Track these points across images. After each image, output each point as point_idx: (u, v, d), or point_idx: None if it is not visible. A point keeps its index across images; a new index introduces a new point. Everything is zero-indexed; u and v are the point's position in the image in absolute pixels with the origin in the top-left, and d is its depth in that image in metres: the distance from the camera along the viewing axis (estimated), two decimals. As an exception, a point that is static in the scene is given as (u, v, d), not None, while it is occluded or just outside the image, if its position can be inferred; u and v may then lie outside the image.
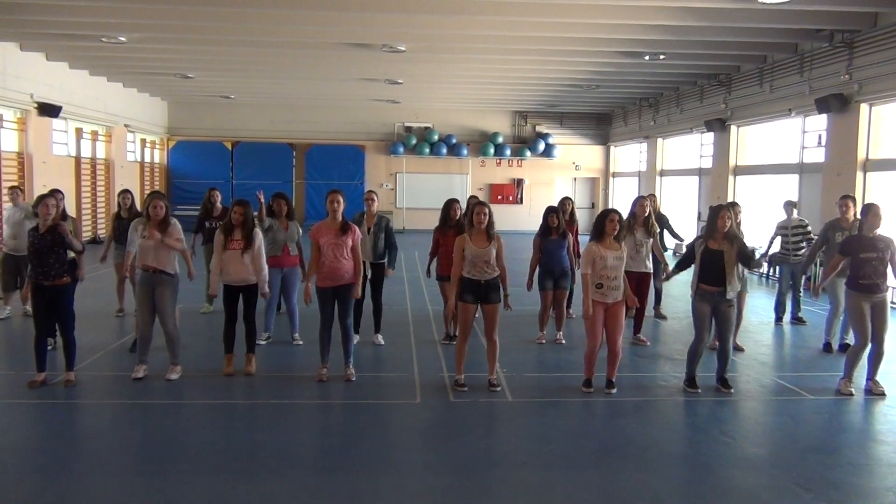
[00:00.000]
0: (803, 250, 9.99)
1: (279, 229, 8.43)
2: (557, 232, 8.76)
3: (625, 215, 7.51)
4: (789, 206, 10.41)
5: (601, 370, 7.08)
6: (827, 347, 8.73)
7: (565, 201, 9.81)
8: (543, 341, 8.92)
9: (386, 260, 8.60)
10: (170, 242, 7.02)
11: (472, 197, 10.01)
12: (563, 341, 8.88)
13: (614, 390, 6.94)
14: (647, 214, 8.86)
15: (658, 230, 9.49)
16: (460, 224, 8.31)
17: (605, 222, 6.89)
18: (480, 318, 7.04)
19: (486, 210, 6.84)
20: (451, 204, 8.67)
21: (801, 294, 10.53)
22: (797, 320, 10.35)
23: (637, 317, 9.02)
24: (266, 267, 7.44)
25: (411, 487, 4.97)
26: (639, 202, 8.97)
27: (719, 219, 6.85)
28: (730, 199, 17.20)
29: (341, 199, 7.10)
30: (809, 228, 10.24)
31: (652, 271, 9.03)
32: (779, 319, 10.32)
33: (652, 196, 10.64)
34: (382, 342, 8.70)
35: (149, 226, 7.02)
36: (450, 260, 7.15)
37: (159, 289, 7.05)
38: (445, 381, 7.24)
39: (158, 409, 6.50)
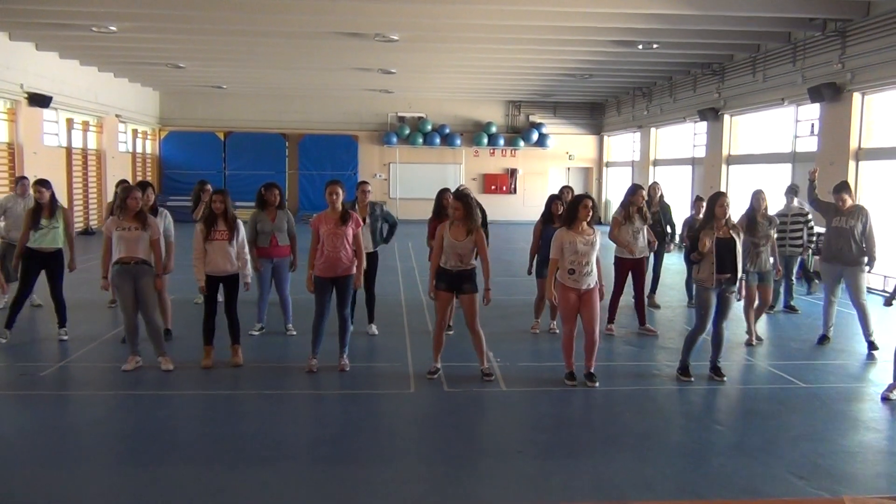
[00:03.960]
0: (801, 240, 9.90)
1: (266, 220, 8.38)
2: (560, 220, 8.72)
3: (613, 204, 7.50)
4: (790, 192, 10.22)
5: (581, 360, 7.05)
6: (822, 340, 8.57)
7: (565, 190, 9.79)
8: (537, 330, 8.93)
9: (377, 250, 8.61)
10: (150, 234, 6.99)
11: (459, 186, 10.02)
12: (557, 330, 8.87)
13: (596, 383, 6.82)
14: (641, 204, 8.88)
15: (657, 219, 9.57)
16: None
17: (578, 208, 6.76)
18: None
19: (460, 205, 6.76)
20: (443, 193, 8.66)
21: (794, 282, 10.47)
22: (789, 308, 10.35)
23: (638, 307, 9.06)
24: (250, 258, 7.40)
25: (405, 476, 4.98)
26: (637, 191, 8.94)
27: (718, 206, 6.85)
28: (723, 189, 17.26)
29: (340, 191, 7.08)
30: (810, 216, 10.08)
31: (646, 257, 9.08)
32: (771, 307, 10.32)
33: (655, 185, 10.72)
34: (376, 332, 8.70)
35: (125, 217, 6.95)
36: None
37: (141, 280, 6.97)
38: (440, 371, 7.24)
39: (151, 399, 6.48)
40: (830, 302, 8.51)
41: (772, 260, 8.56)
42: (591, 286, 6.81)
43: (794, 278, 10.42)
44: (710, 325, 7.03)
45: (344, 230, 6.98)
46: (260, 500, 4.61)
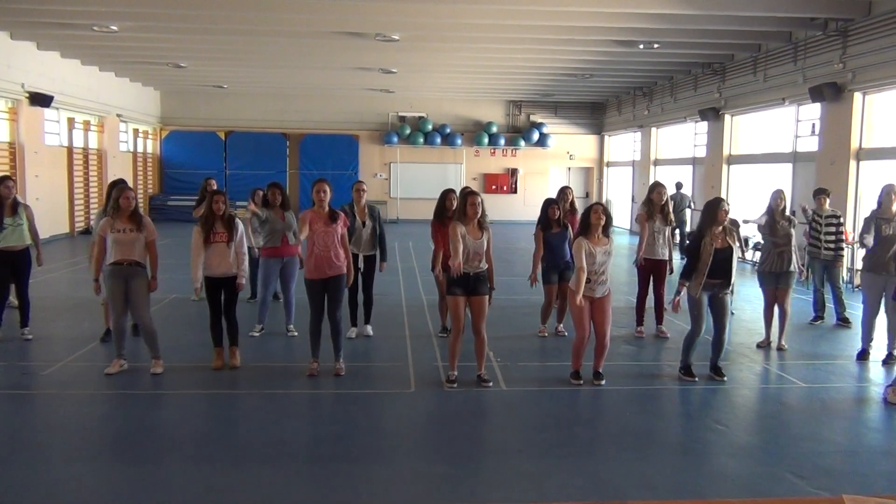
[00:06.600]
0: (834, 244, 9.32)
1: (276, 220, 8.37)
2: (559, 224, 8.56)
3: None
4: (822, 193, 9.54)
5: (588, 360, 7.04)
6: (863, 355, 7.87)
7: (565, 190, 9.42)
8: (545, 334, 8.77)
9: (378, 253, 8.48)
10: (146, 235, 6.90)
11: (465, 187, 9.90)
12: (566, 333, 8.74)
13: (603, 381, 6.88)
14: (663, 202, 8.72)
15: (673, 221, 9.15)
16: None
17: (589, 215, 6.80)
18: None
19: (479, 200, 6.73)
20: (447, 194, 8.51)
21: (842, 290, 9.65)
22: (843, 321, 9.45)
23: (656, 308, 8.89)
24: (247, 259, 7.30)
25: (405, 476, 4.98)
26: (656, 189, 8.77)
27: (720, 211, 6.80)
28: (724, 189, 17.25)
29: (328, 189, 7.03)
30: (842, 220, 9.54)
31: (667, 259, 8.76)
32: (819, 318, 9.64)
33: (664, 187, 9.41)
34: (371, 333, 8.65)
35: (120, 219, 6.83)
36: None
37: (134, 281, 6.88)
38: (440, 370, 7.24)
39: (150, 399, 6.49)
40: (872, 314, 7.86)
41: (794, 261, 8.13)
42: (605, 294, 6.87)
43: (840, 286, 9.65)
44: (705, 326, 6.97)
45: (334, 228, 6.94)
46: (260, 498, 4.61)
